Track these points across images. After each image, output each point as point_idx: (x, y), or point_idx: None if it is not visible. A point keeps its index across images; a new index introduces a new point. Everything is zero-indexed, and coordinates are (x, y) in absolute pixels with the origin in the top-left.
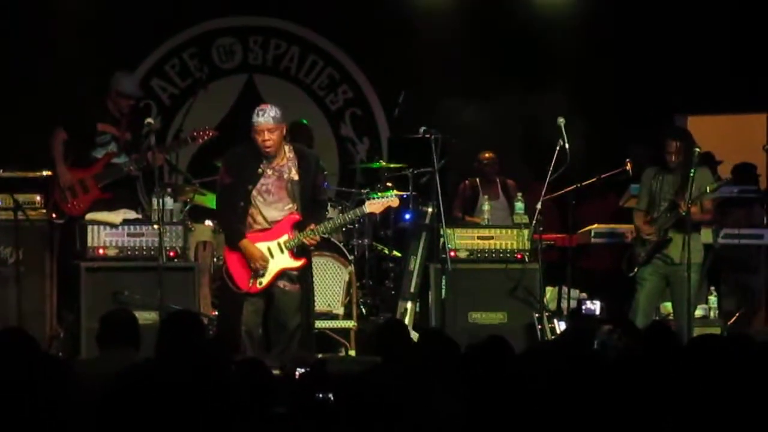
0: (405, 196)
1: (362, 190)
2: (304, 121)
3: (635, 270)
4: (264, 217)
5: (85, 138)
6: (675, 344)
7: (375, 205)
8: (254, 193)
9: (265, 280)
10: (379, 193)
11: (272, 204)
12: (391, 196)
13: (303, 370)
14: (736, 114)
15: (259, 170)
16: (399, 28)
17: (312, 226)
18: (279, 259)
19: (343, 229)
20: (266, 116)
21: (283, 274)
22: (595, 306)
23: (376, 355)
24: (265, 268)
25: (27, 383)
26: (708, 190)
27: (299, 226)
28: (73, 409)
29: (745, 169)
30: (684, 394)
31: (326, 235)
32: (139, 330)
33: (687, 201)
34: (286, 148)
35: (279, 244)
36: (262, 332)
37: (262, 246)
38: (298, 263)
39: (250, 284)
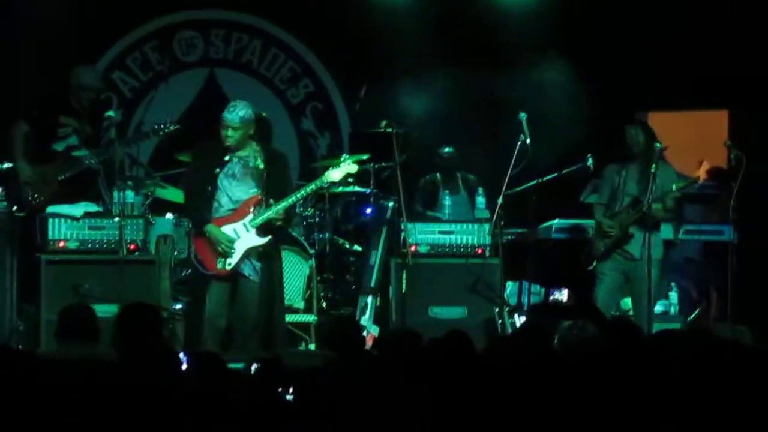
0: (367, 191)
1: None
2: (264, 114)
3: (593, 264)
4: (229, 198)
5: (47, 131)
6: (638, 340)
7: (334, 173)
8: (221, 176)
9: (233, 261)
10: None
11: (237, 186)
12: (349, 162)
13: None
14: (697, 110)
15: (226, 157)
16: (361, 22)
17: (272, 202)
18: (245, 239)
19: (303, 222)
20: (234, 114)
21: (249, 262)
22: (562, 294)
23: (331, 351)
24: (231, 249)
25: None
26: (674, 189)
27: (262, 205)
28: (34, 401)
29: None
30: (648, 390)
31: (290, 211)
32: (97, 323)
33: (648, 198)
34: (254, 144)
35: (244, 224)
36: (225, 324)
37: (228, 228)
38: (264, 240)
39: (219, 266)
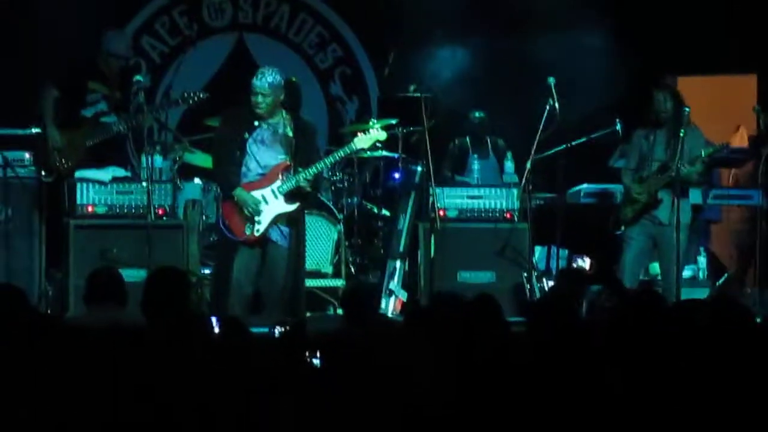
0: (396, 156)
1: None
2: (293, 79)
3: (622, 228)
4: (258, 163)
5: (75, 96)
6: (663, 310)
7: (363, 140)
8: (250, 141)
9: (262, 228)
10: (366, 130)
11: (266, 152)
12: (377, 129)
13: (282, 330)
14: (726, 75)
15: (255, 123)
16: None
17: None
18: (274, 205)
19: (332, 187)
20: (263, 80)
21: (277, 228)
22: (584, 262)
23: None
24: (258, 213)
25: (18, 337)
26: (703, 155)
27: (291, 171)
28: (62, 364)
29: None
30: (668, 363)
31: (319, 177)
32: (125, 287)
33: (677, 162)
34: (284, 112)
35: (272, 191)
36: (252, 292)
37: (257, 193)
38: (292, 207)
39: (247, 232)
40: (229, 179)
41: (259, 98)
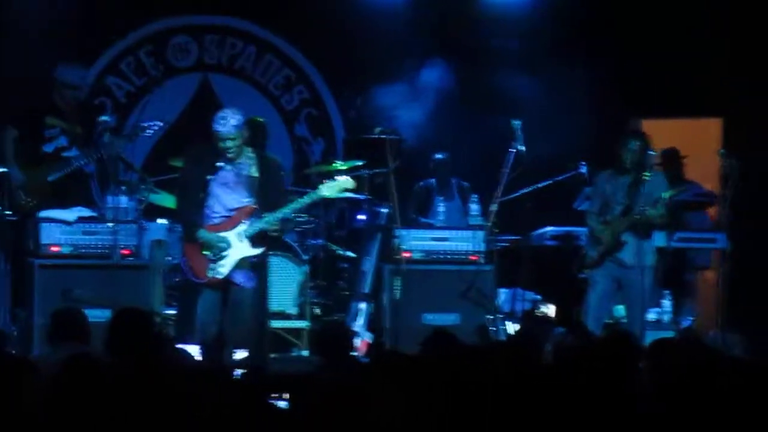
0: (361, 197)
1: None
2: (260, 119)
3: (586, 271)
4: (222, 206)
5: (34, 133)
6: (636, 350)
7: (329, 187)
8: (213, 184)
9: (224, 270)
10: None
11: (230, 195)
12: (345, 178)
13: (242, 371)
14: (691, 118)
15: (218, 164)
16: (355, 29)
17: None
18: (237, 248)
19: (296, 228)
20: (228, 126)
21: (240, 271)
22: (548, 309)
23: (319, 356)
24: (222, 255)
25: None
26: (666, 196)
27: (256, 215)
28: (29, 405)
29: (672, 155)
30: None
31: (284, 223)
32: (88, 326)
33: (641, 205)
34: (248, 150)
35: (237, 234)
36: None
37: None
38: (256, 251)
39: (209, 275)
40: (191, 221)
41: (228, 143)
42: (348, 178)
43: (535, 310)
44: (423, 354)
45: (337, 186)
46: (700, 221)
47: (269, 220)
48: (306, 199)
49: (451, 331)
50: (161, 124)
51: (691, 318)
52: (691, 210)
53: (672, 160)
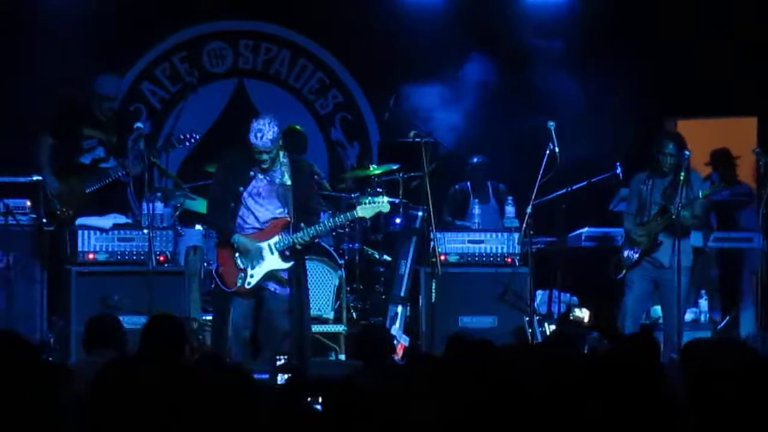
0: (396, 201)
1: (352, 195)
2: (298, 128)
3: (623, 273)
4: (255, 218)
5: (72, 143)
6: (655, 354)
7: (366, 209)
8: (245, 195)
9: (253, 281)
10: (370, 198)
11: (263, 206)
12: (382, 201)
13: (286, 376)
14: (726, 117)
15: (251, 173)
16: (389, 31)
17: (302, 228)
18: (268, 260)
19: (333, 233)
20: (264, 140)
21: (272, 276)
22: (582, 314)
23: (358, 359)
24: (254, 264)
25: (22, 387)
26: (701, 195)
27: (290, 229)
28: (65, 413)
29: (723, 155)
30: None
31: (316, 239)
32: (124, 333)
33: (677, 205)
34: (281, 154)
35: (269, 245)
36: (251, 336)
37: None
38: (286, 264)
39: (239, 284)
40: (226, 225)
41: (264, 156)
42: (385, 201)
43: (570, 314)
44: (451, 357)
45: (374, 208)
46: (747, 220)
47: (302, 236)
48: (341, 219)
49: (487, 334)
50: (198, 136)
51: (727, 318)
52: (729, 210)
53: (723, 160)
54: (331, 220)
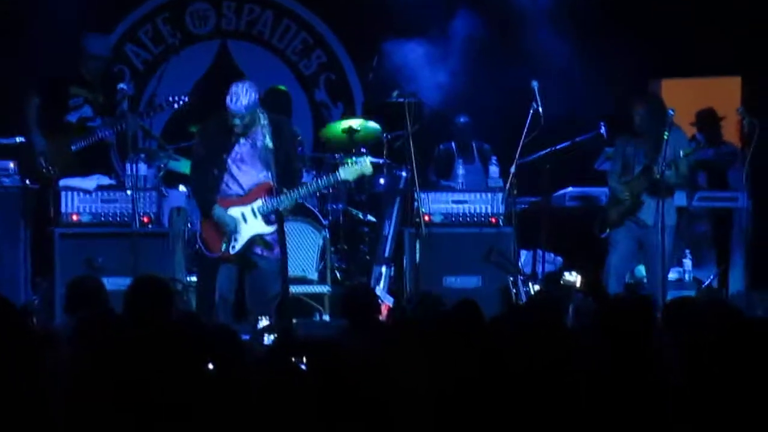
0: (380, 161)
1: (336, 155)
2: (282, 88)
3: (607, 231)
4: (239, 184)
5: (58, 102)
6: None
7: (348, 171)
8: (229, 161)
9: (238, 245)
10: (353, 158)
11: (246, 172)
12: (365, 163)
13: (272, 337)
14: (710, 77)
15: (233, 138)
16: None
17: (285, 192)
18: (252, 224)
19: (317, 194)
20: (238, 104)
21: (257, 239)
22: (573, 278)
23: (344, 319)
24: (236, 233)
25: (6, 351)
26: (682, 155)
27: (273, 192)
28: (49, 378)
29: (708, 115)
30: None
31: (300, 201)
32: (106, 294)
33: (660, 164)
34: (261, 116)
35: (252, 209)
36: (236, 299)
37: (236, 211)
38: (270, 228)
39: (223, 249)
40: (206, 196)
41: (237, 121)
42: (368, 163)
43: (561, 279)
44: (446, 320)
45: (357, 171)
46: (735, 180)
47: (284, 201)
48: (323, 182)
49: (471, 294)
50: (186, 98)
51: (711, 277)
52: (716, 169)
53: (708, 120)
54: (313, 183)
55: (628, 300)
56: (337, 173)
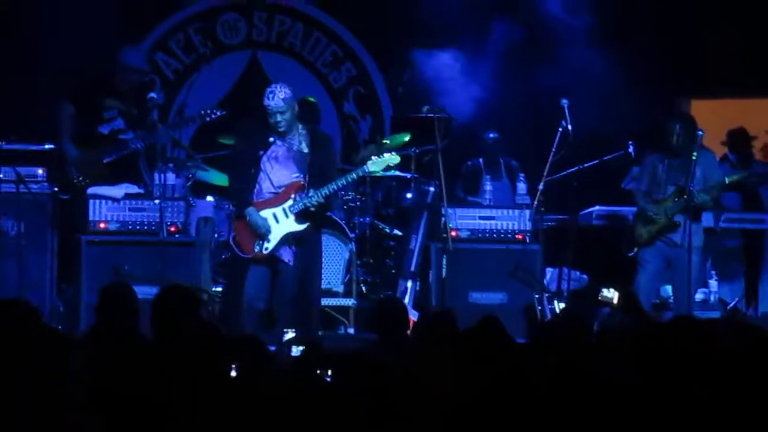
0: (408, 175)
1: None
2: (311, 99)
3: (635, 250)
4: (271, 182)
5: (92, 113)
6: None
7: (376, 163)
8: (264, 158)
9: (270, 246)
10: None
11: (279, 171)
12: (392, 155)
13: (300, 349)
14: (740, 98)
15: (270, 139)
16: (404, 5)
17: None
18: (284, 224)
19: (344, 206)
20: (276, 99)
21: (288, 248)
22: (611, 294)
23: (373, 332)
24: (268, 233)
25: (27, 353)
26: (727, 181)
27: (304, 192)
28: (71, 381)
29: (740, 135)
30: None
31: (330, 198)
32: (137, 302)
33: (694, 186)
34: (300, 126)
35: (284, 210)
36: (265, 308)
37: (268, 212)
38: (302, 227)
39: (256, 250)
40: (242, 197)
41: (278, 117)
42: (394, 154)
43: (599, 295)
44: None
45: (384, 162)
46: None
47: (316, 197)
48: (353, 175)
49: (497, 310)
50: (219, 113)
51: (736, 299)
52: (749, 189)
53: (740, 139)
54: (343, 177)
55: (677, 321)
56: (365, 166)
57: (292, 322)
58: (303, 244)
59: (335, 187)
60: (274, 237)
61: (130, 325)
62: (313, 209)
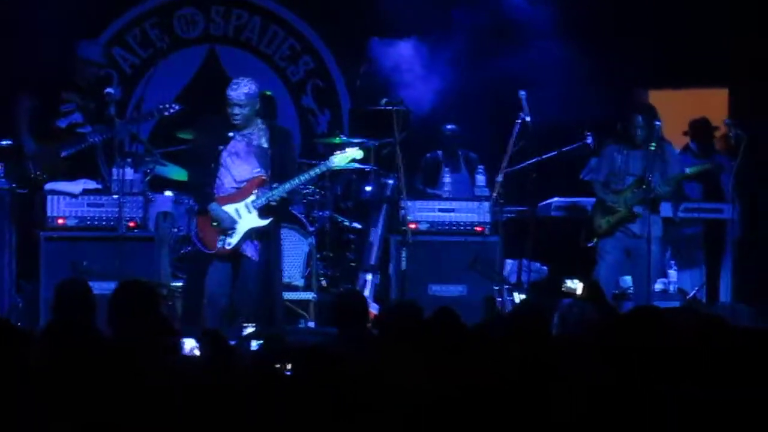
0: (368, 168)
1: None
2: (268, 93)
3: (594, 241)
4: (233, 177)
5: (49, 107)
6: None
7: (340, 158)
8: (224, 154)
9: (234, 241)
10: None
11: (240, 166)
12: (354, 148)
13: (259, 343)
14: (697, 88)
15: (230, 134)
16: None
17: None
18: (246, 219)
19: (303, 200)
20: (238, 92)
21: (251, 243)
22: (575, 286)
23: (333, 326)
24: (232, 228)
25: None
26: (688, 172)
27: (266, 187)
28: (28, 377)
29: (703, 125)
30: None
31: (292, 194)
32: (93, 298)
33: (654, 177)
34: (259, 121)
35: (246, 205)
36: (226, 303)
37: (231, 208)
38: (265, 222)
39: (219, 245)
40: (203, 193)
41: (236, 109)
42: (358, 148)
43: (562, 286)
44: (425, 328)
45: (347, 156)
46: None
47: (278, 191)
48: (316, 170)
49: (456, 303)
50: (177, 107)
51: (695, 289)
52: (709, 180)
53: (702, 130)
54: (305, 173)
55: (639, 311)
56: (329, 160)
57: (254, 316)
58: (265, 238)
59: (298, 182)
60: (238, 232)
61: (87, 321)
62: (275, 204)
